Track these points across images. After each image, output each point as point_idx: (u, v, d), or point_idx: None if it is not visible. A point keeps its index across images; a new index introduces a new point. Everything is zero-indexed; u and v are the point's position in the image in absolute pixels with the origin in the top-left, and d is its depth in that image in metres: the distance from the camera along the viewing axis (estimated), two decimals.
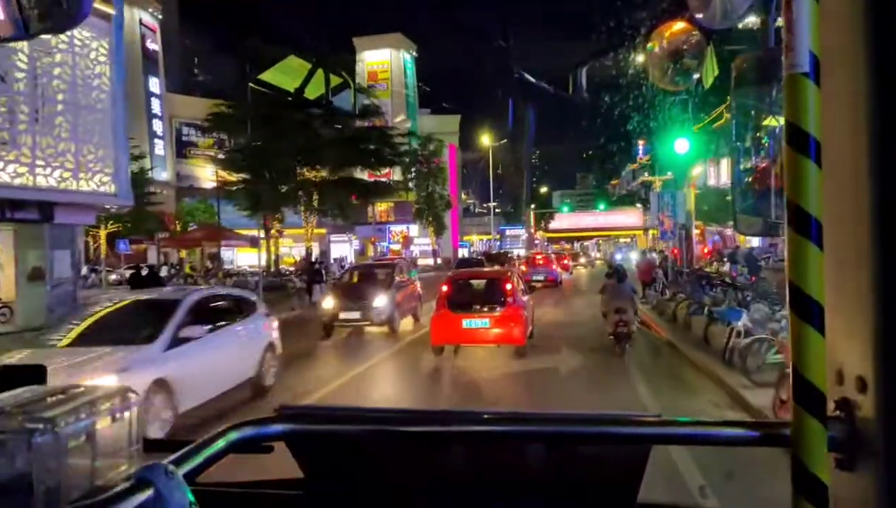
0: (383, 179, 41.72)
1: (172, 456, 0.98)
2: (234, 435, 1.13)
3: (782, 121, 0.93)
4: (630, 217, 77.72)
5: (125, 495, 0.79)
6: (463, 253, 66.41)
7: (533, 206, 74.23)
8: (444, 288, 12.51)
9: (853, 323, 0.91)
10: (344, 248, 63.20)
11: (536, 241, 72.14)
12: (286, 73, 54.17)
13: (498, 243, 74.31)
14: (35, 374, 1.12)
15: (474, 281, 13.13)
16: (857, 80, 0.90)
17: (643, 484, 1.17)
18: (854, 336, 0.91)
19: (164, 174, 57.01)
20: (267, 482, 1.34)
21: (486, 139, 65.14)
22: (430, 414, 1.30)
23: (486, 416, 1.30)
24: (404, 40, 72.00)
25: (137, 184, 27.20)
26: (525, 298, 13.22)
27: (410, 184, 55.49)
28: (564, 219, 79.15)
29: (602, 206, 76.38)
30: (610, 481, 1.17)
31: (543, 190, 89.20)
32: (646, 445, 1.16)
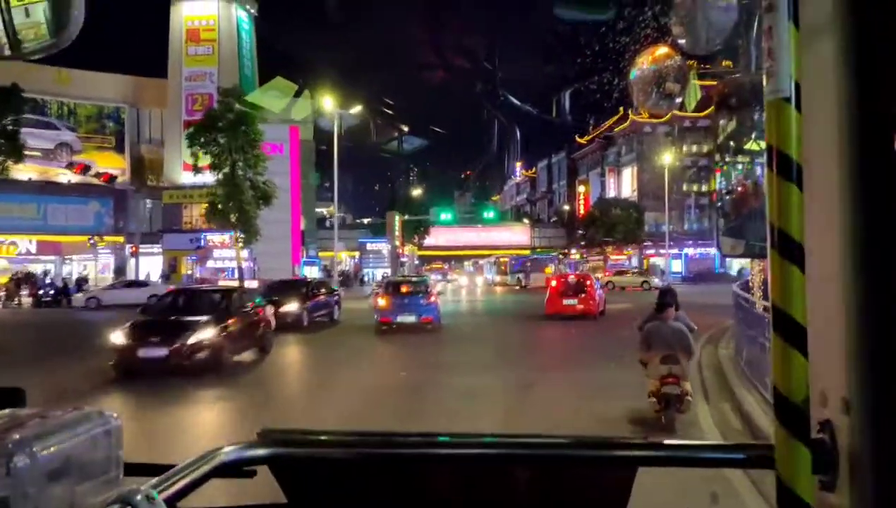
0: None
1: (153, 480, 0.96)
2: (216, 459, 1.12)
3: (764, 145, 0.94)
4: (516, 234, 70.65)
5: None
6: (311, 272, 47.05)
7: (406, 216, 55.07)
8: (554, 283, 24.43)
9: (837, 345, 0.92)
10: (154, 264, 45.69)
11: (404, 259, 55.90)
12: (272, 96, 53.40)
13: (357, 260, 60.25)
14: (14, 397, 1.10)
15: (571, 280, 24.29)
16: (838, 105, 0.91)
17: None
18: (838, 358, 0.91)
19: None
20: (250, 507, 1.31)
21: (328, 102, 37.87)
22: (415, 437, 1.28)
23: (472, 439, 1.29)
24: None
25: None
26: (600, 291, 24.44)
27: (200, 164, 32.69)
28: (442, 235, 64.81)
29: (492, 214, 67.05)
30: (596, 503, 1.17)
31: (417, 192, 69.41)
32: (632, 467, 1.16)
